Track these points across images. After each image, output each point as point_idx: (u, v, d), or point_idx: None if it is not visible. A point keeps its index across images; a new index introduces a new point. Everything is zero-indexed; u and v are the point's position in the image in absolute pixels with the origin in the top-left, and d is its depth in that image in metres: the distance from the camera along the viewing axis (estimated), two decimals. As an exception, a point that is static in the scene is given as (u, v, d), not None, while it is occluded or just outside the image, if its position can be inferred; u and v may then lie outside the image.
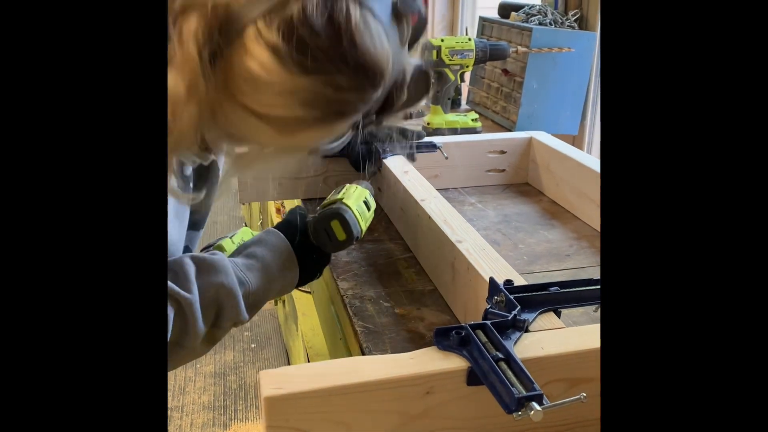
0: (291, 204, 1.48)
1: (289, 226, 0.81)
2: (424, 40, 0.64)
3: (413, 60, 0.60)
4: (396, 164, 1.04)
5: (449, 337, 0.54)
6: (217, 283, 0.67)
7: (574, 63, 1.54)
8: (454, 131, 1.49)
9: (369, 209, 0.87)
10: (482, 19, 1.80)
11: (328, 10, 0.49)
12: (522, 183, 1.24)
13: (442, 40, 1.47)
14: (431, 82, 0.61)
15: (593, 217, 1.03)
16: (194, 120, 0.51)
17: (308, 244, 0.80)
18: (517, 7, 1.66)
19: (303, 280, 0.82)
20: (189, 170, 0.72)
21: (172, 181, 0.60)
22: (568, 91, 1.57)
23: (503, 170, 1.23)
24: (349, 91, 0.53)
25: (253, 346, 2.42)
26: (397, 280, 0.87)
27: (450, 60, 1.47)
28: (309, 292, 1.41)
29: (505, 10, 1.72)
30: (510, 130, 1.55)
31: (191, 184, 0.73)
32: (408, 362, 0.52)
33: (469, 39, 1.48)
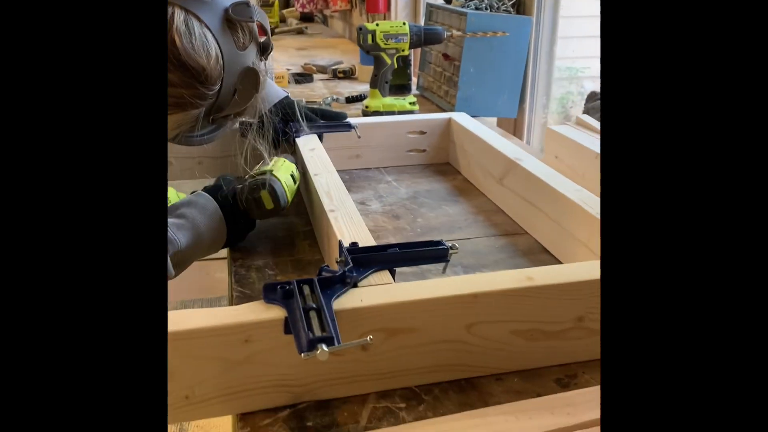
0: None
1: (218, 190, 0.87)
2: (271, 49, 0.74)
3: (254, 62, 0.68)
4: (305, 142, 1.08)
5: (276, 291, 0.58)
6: None
7: (510, 47, 1.57)
8: (391, 114, 1.53)
9: (295, 182, 0.93)
10: (429, 6, 1.83)
11: None
12: (443, 163, 1.27)
13: (377, 25, 1.50)
14: (260, 78, 0.69)
15: (496, 193, 1.06)
16: None
17: (236, 210, 0.86)
18: (459, -7, 1.69)
19: (230, 242, 0.87)
20: None
21: None
22: (505, 75, 1.60)
23: (424, 150, 1.26)
24: (180, 86, 0.61)
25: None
26: (289, 251, 0.91)
27: (385, 44, 1.51)
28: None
29: (448, -4, 1.75)
30: (449, 114, 1.58)
31: None
32: (231, 313, 0.56)
33: (404, 23, 1.51)
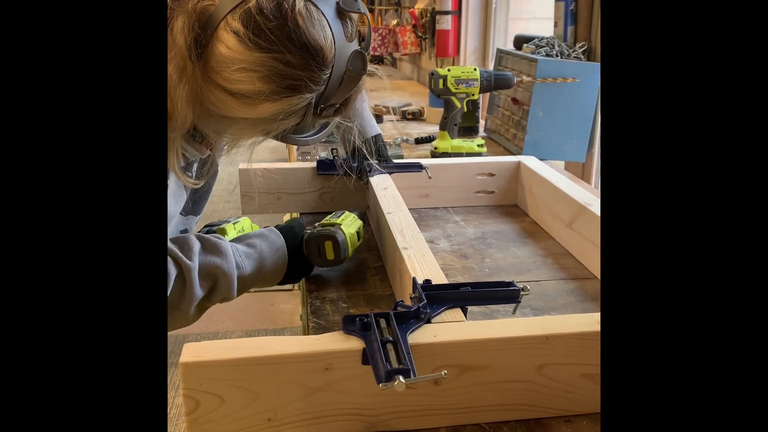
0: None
1: (289, 231, 0.93)
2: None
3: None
4: (379, 181, 1.12)
5: (354, 323, 0.62)
6: (218, 261, 0.79)
7: (580, 93, 1.58)
8: (459, 156, 1.56)
9: (359, 239, 0.98)
10: (499, 51, 1.87)
11: (277, 0, 0.66)
12: (511, 205, 1.29)
13: (449, 70, 1.55)
14: (367, 60, 0.73)
15: (565, 237, 1.07)
16: (186, 99, 0.66)
17: (299, 252, 0.91)
18: (529, 39, 1.72)
19: (285, 280, 0.92)
20: (194, 165, 0.85)
21: (180, 162, 0.75)
22: (574, 120, 1.61)
23: (492, 192, 1.29)
24: (298, 68, 0.67)
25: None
26: (361, 285, 0.94)
27: (456, 88, 1.55)
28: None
29: (519, 42, 1.79)
30: (517, 156, 1.60)
31: (193, 172, 0.85)
32: (312, 342, 0.60)
33: (475, 69, 1.56)
